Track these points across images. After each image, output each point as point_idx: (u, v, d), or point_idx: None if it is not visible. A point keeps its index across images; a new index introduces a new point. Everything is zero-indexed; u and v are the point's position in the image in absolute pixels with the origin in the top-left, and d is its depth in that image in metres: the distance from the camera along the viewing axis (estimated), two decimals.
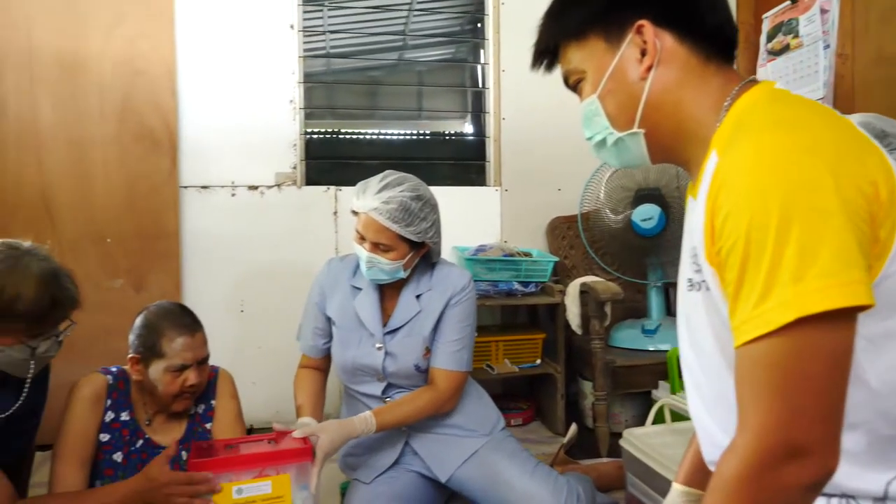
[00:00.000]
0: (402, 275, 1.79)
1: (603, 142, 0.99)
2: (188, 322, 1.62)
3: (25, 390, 1.45)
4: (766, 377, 0.73)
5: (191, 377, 1.60)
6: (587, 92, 0.98)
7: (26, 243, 1.42)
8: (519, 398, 2.93)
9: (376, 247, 1.73)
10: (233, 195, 2.77)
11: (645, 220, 2.65)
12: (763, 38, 2.92)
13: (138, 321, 1.63)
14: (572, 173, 3.04)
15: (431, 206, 1.78)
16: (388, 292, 1.87)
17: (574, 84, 1.01)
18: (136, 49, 2.62)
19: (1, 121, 2.53)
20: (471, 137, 3.18)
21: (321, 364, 1.94)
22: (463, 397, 1.91)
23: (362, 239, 1.75)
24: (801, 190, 0.71)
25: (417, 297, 1.84)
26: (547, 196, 3.10)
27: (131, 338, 1.62)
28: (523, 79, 3.03)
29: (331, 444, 1.59)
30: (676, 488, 1.17)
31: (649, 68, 0.91)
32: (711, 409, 0.93)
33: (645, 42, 0.91)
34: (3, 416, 1.43)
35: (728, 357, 0.87)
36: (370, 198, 1.71)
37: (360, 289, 1.86)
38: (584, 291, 2.53)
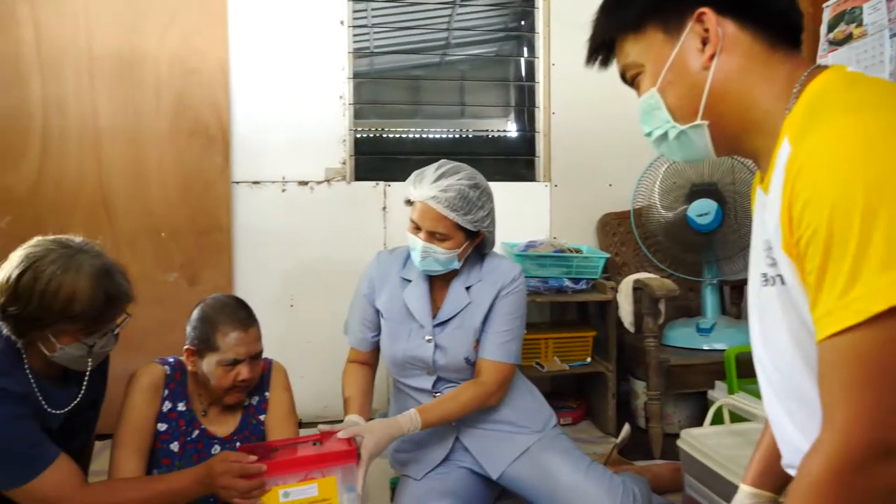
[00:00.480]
0: (457, 265, 1.77)
1: (664, 136, 0.95)
2: (243, 317, 1.62)
3: (84, 384, 1.48)
4: (854, 371, 0.69)
5: (243, 372, 1.60)
6: (646, 86, 0.95)
7: (77, 239, 1.42)
8: (568, 397, 2.88)
9: (432, 236, 1.72)
10: (283, 190, 2.80)
11: (701, 215, 2.57)
12: (824, 28, 2.80)
13: (195, 313, 1.64)
14: (623, 168, 2.99)
15: (488, 194, 1.76)
16: (437, 284, 1.85)
17: (631, 79, 0.98)
18: (190, 47, 2.66)
19: (63, 119, 2.60)
20: (520, 133, 3.15)
21: (369, 358, 1.93)
22: (513, 393, 1.88)
23: (417, 229, 1.73)
24: (887, 172, 0.67)
25: (467, 288, 1.82)
26: (597, 192, 3.05)
27: (188, 329, 1.64)
28: (573, 73, 2.98)
29: (376, 445, 1.57)
30: (745, 490, 1.13)
31: (712, 57, 0.88)
32: (787, 408, 0.89)
33: (706, 30, 0.88)
34: (65, 410, 1.46)
35: (805, 353, 0.83)
36: (427, 186, 1.70)
37: (409, 280, 1.85)
38: (638, 288, 2.47)
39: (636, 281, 2.47)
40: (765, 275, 0.88)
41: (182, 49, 2.66)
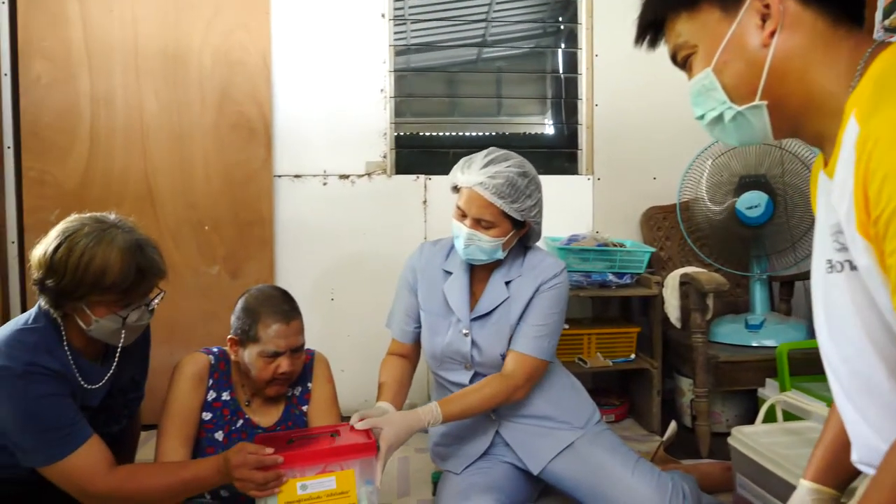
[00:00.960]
0: (500, 255, 1.74)
1: (719, 118, 0.92)
2: (286, 309, 1.62)
3: (116, 359, 1.50)
4: None
5: (283, 364, 1.59)
6: (699, 66, 0.92)
7: (112, 216, 1.46)
8: (611, 394, 2.83)
9: (478, 223, 1.69)
10: (324, 184, 2.80)
11: (750, 207, 2.50)
12: (879, 15, 2.70)
13: (239, 303, 1.65)
14: (668, 161, 2.92)
15: (536, 184, 1.73)
16: (477, 276, 1.82)
17: (682, 60, 0.95)
18: (233, 40, 2.68)
19: (111, 113, 2.64)
20: (562, 126, 3.10)
21: (410, 351, 1.90)
22: (553, 388, 1.84)
23: (463, 215, 1.71)
24: None
25: (507, 283, 1.78)
26: (641, 185, 2.98)
27: (232, 318, 1.64)
28: (617, 63, 2.94)
29: (395, 437, 1.52)
30: (805, 486, 1.08)
31: (772, 34, 0.84)
32: (858, 405, 0.85)
33: (766, 6, 0.85)
34: (100, 383, 1.48)
35: (877, 342, 0.79)
36: (475, 172, 1.67)
37: (450, 273, 1.82)
38: (685, 283, 2.41)
39: (683, 275, 2.40)
40: (830, 261, 0.84)
41: (225, 42, 2.67)
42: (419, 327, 1.87)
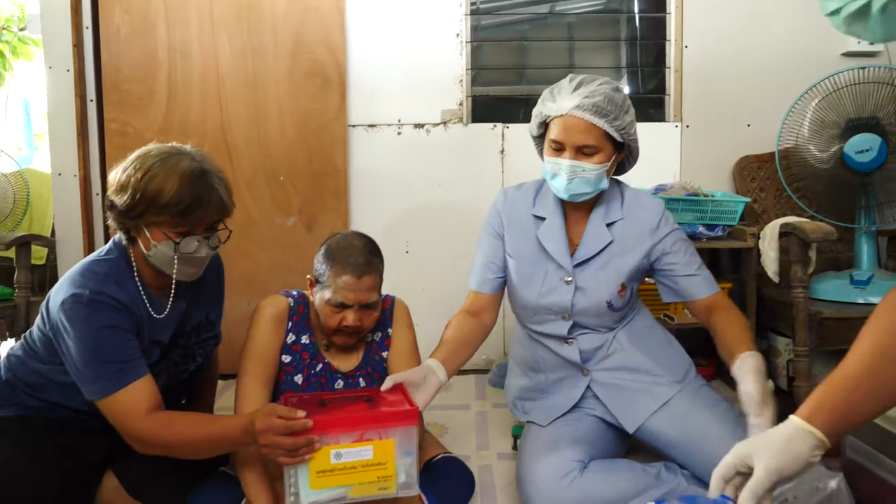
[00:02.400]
0: (606, 185, 1.62)
1: (865, 8, 0.78)
2: (360, 262, 1.54)
3: (173, 291, 1.50)
4: None
5: (349, 318, 1.53)
6: None
7: (187, 146, 1.47)
8: (698, 353, 2.68)
9: (579, 152, 1.56)
10: (399, 133, 2.73)
11: (860, 152, 2.28)
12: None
13: (324, 246, 1.61)
14: (764, 107, 2.72)
15: (628, 100, 1.61)
16: (572, 220, 1.70)
17: None
18: None
19: (187, 63, 2.64)
20: (648, 70, 2.92)
21: (487, 304, 1.74)
22: (650, 341, 1.75)
23: (559, 149, 1.58)
24: None
25: (608, 225, 1.66)
26: (734, 132, 2.78)
27: (315, 258, 1.61)
28: (709, 1, 2.72)
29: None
30: None
31: None
32: None
33: None
34: (164, 314, 1.48)
35: None
36: (568, 97, 1.55)
37: (542, 218, 1.70)
38: (785, 234, 2.23)
39: (784, 225, 2.22)
40: None
41: None
42: (501, 277, 1.75)
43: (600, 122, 1.53)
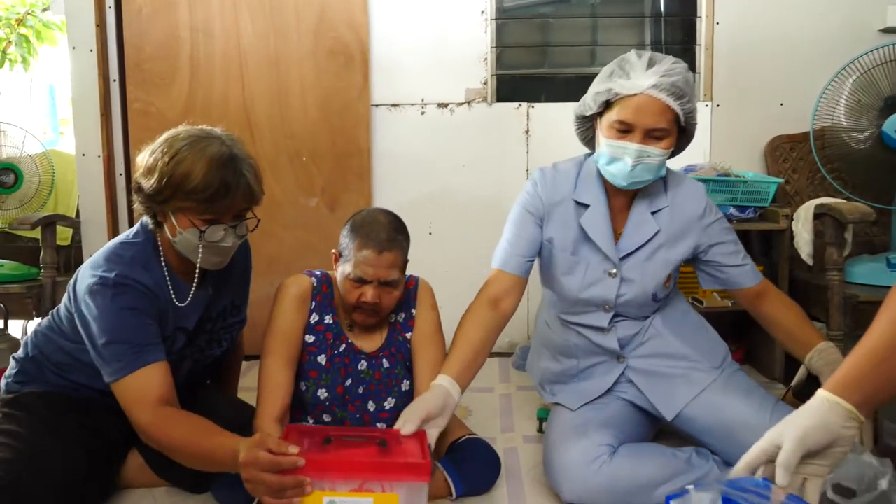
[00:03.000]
0: (663, 172, 1.55)
1: None
2: (383, 238, 1.50)
3: (196, 278, 1.47)
4: None
5: (368, 294, 1.50)
6: None
7: (218, 130, 1.43)
8: (728, 338, 2.62)
9: (648, 135, 1.45)
10: (422, 113, 2.69)
11: None
12: None
13: (349, 221, 1.58)
14: (798, 85, 2.64)
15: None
16: (615, 206, 1.61)
17: None
18: None
19: (209, 42, 2.62)
20: (677, 47, 2.84)
21: (513, 288, 1.61)
22: (686, 327, 1.70)
23: (625, 132, 1.46)
24: None
25: (653, 213, 1.59)
26: (766, 112, 2.70)
27: (341, 232, 1.59)
28: None
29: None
30: None
31: None
32: None
33: None
34: (187, 302, 1.46)
35: None
36: (642, 74, 1.43)
37: (585, 205, 1.60)
38: (820, 215, 2.16)
39: (819, 205, 2.15)
40: None
41: None
42: (530, 261, 1.66)
43: (675, 104, 1.43)
